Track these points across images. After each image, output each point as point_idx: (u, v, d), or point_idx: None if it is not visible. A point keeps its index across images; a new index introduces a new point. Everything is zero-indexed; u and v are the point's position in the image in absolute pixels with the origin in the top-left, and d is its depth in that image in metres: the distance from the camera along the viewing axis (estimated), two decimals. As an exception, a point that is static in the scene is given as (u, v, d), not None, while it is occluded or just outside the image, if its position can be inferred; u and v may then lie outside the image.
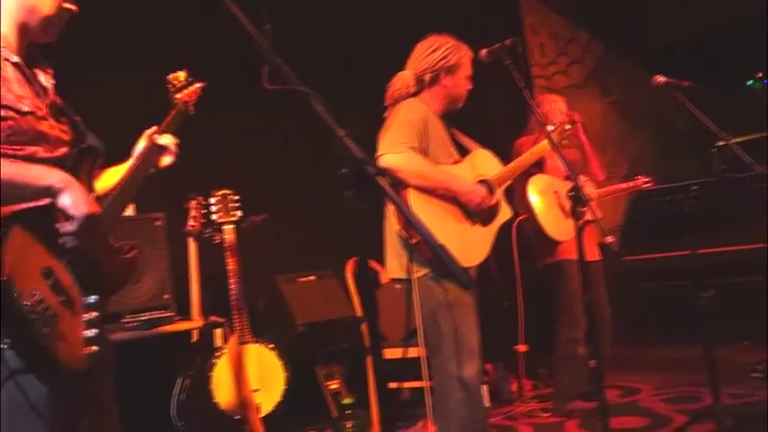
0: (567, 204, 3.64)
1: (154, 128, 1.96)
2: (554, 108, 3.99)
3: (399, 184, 2.55)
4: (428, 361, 2.69)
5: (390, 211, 2.70)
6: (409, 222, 1.18)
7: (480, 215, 2.74)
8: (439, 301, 2.62)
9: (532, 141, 3.73)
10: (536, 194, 3.71)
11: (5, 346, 1.37)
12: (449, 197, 2.67)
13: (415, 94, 2.79)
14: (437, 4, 4.97)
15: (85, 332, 1.52)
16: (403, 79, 2.80)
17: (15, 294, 1.38)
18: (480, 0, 5.21)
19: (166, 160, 1.94)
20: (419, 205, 2.57)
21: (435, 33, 2.83)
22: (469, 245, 2.68)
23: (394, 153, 2.57)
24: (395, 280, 2.80)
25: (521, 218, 3.57)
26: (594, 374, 3.31)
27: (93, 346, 1.51)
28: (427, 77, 2.78)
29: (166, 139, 1.94)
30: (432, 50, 2.78)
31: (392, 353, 3.55)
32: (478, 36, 2.91)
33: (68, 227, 1.50)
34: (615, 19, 5.89)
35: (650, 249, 4.78)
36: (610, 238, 2.42)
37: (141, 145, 1.93)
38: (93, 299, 1.56)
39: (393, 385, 3.71)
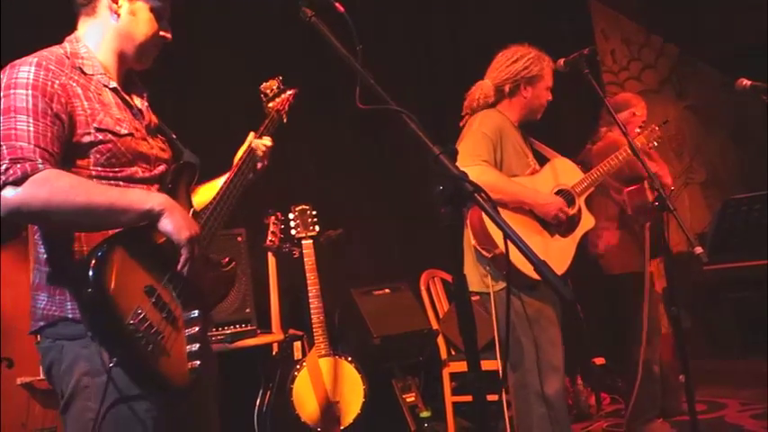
0: None
1: (252, 134, 1.98)
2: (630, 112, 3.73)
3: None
4: (508, 375, 2.65)
5: (468, 225, 2.68)
6: (508, 236, 1.16)
7: (559, 226, 2.69)
8: (517, 314, 2.58)
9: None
10: None
11: (112, 365, 1.41)
12: (525, 209, 2.64)
13: (493, 104, 2.76)
14: (508, 11, 4.95)
15: (188, 347, 1.55)
16: (482, 89, 2.75)
17: (119, 314, 1.42)
18: (552, 7, 5.15)
19: (260, 164, 1.95)
20: None
21: (516, 43, 2.77)
22: (549, 256, 2.62)
23: (466, 166, 2.55)
24: (473, 292, 2.77)
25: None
26: (683, 389, 3.18)
27: (196, 360, 1.54)
28: (507, 88, 2.73)
29: (259, 143, 1.95)
30: (513, 61, 2.72)
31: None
32: (551, 43, 2.87)
33: (182, 257, 1.54)
34: (689, 22, 5.73)
35: (737, 257, 4.57)
36: (699, 249, 2.34)
37: (240, 153, 1.95)
38: (194, 314, 1.59)
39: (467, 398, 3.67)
